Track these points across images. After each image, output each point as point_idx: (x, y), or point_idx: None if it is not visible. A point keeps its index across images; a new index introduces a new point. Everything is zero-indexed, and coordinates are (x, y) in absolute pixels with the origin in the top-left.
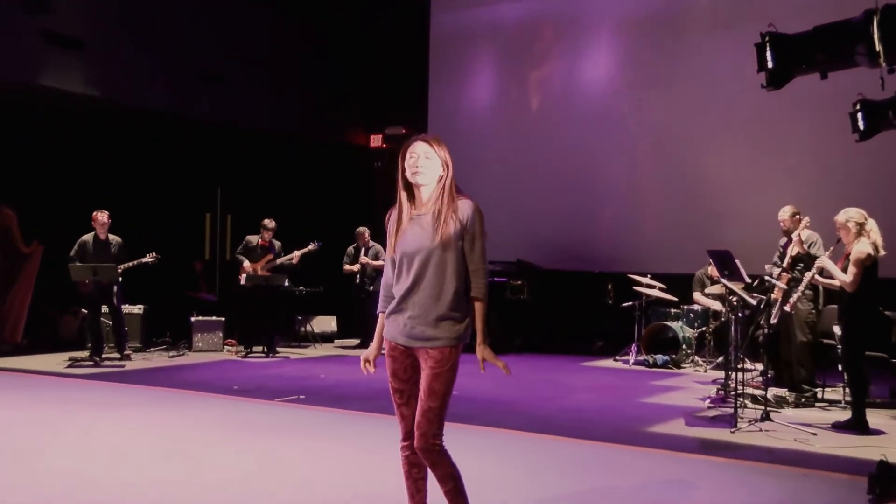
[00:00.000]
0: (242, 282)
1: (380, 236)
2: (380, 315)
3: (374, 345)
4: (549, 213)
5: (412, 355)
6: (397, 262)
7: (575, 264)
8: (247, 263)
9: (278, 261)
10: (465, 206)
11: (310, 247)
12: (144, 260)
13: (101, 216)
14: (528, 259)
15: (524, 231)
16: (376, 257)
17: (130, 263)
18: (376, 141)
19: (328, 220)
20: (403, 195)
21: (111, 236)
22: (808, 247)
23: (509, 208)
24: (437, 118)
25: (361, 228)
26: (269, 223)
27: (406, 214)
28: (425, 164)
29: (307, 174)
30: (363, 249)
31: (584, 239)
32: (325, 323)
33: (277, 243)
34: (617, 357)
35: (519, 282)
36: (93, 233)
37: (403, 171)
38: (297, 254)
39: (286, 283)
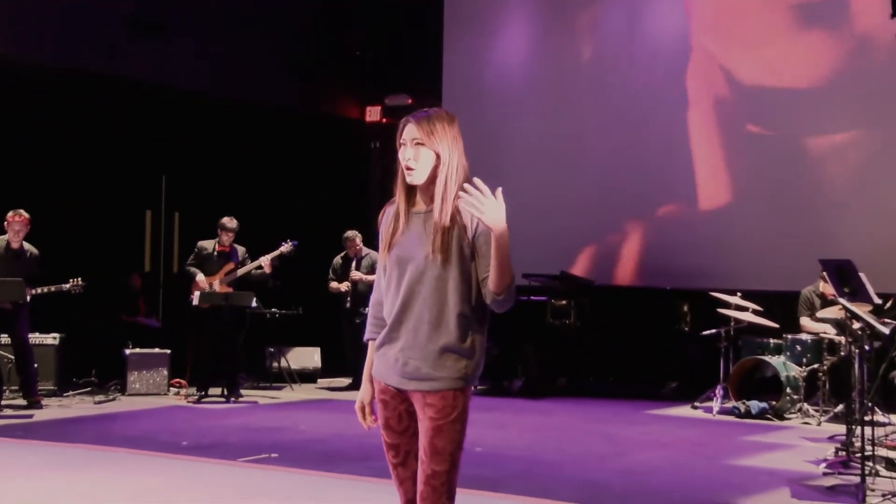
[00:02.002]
0: (195, 301)
1: (376, 242)
2: (369, 343)
3: (364, 385)
4: (603, 209)
5: (407, 399)
6: (387, 274)
7: (638, 278)
8: (201, 277)
9: (240, 271)
10: None
11: (282, 248)
12: (64, 287)
13: (19, 219)
14: (575, 272)
15: (570, 234)
16: (371, 270)
17: (44, 289)
18: (373, 114)
19: (310, 220)
20: (401, 189)
21: (26, 245)
22: None
23: (550, 203)
24: (454, 83)
25: (351, 233)
26: (230, 222)
27: (403, 211)
28: (417, 154)
29: (282, 158)
30: (354, 261)
31: (651, 244)
32: (306, 357)
33: (241, 249)
34: (696, 403)
35: (563, 302)
36: (5, 238)
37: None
38: (265, 259)
39: (254, 304)
